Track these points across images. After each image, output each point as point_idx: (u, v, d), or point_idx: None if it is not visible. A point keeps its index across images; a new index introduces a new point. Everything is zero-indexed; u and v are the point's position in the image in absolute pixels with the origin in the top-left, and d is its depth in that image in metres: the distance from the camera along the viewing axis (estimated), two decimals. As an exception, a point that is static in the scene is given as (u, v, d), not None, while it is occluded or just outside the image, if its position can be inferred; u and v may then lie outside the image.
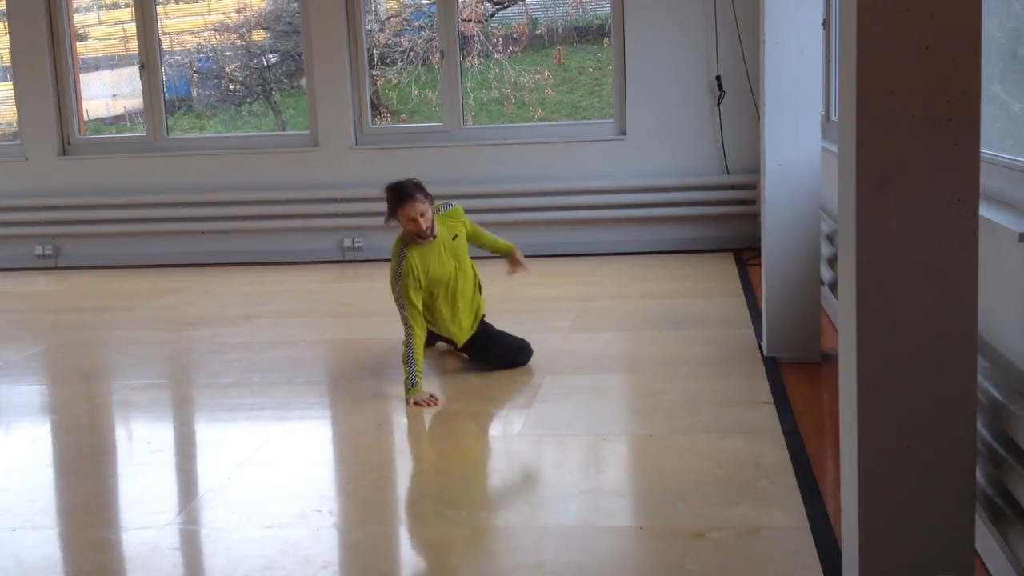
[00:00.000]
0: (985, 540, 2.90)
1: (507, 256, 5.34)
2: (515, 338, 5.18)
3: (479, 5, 9.22)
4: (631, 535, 3.34)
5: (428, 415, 4.55)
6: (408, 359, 4.68)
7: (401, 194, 4.76)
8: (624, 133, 8.13)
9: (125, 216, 8.61)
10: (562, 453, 4.10)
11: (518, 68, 9.08)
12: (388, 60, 9.20)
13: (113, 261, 8.68)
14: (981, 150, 2.33)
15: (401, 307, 4.79)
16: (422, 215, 4.74)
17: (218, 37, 9.67)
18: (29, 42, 8.64)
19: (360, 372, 5.25)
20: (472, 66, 8.99)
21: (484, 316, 5.21)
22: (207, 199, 8.49)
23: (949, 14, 2.25)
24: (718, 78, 7.93)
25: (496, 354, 5.12)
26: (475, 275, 5.16)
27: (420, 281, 4.80)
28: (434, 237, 4.87)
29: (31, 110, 8.73)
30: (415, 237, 4.83)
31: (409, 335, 4.72)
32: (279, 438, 4.38)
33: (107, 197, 8.60)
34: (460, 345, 5.16)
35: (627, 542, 3.28)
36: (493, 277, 5.62)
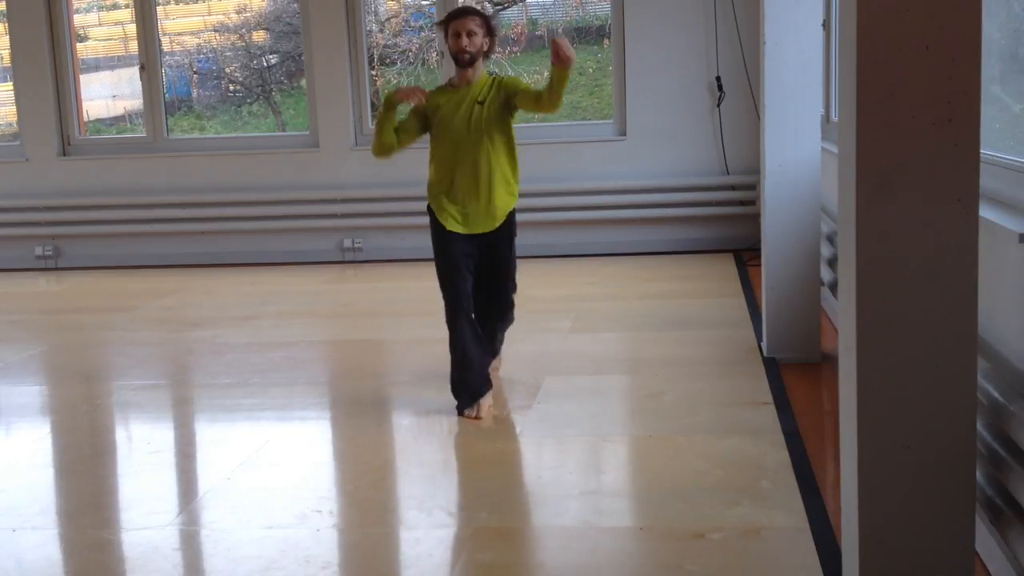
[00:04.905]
0: (985, 540, 2.90)
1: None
2: (508, 299, 4.79)
3: (479, 6, 9.21)
4: (631, 536, 3.34)
5: (427, 417, 4.54)
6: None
7: (456, 9, 4.55)
8: (624, 134, 8.13)
9: (125, 216, 8.61)
10: (562, 453, 4.10)
11: (517, 68, 9.08)
12: (388, 61, 9.20)
13: (113, 261, 8.67)
14: (981, 150, 2.33)
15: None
16: (469, 35, 4.46)
17: (218, 38, 9.67)
18: (29, 42, 8.64)
19: (360, 372, 5.25)
20: (472, 67, 8.98)
21: (504, 223, 4.63)
22: (207, 199, 8.49)
23: (949, 14, 2.25)
24: (718, 78, 7.93)
25: (491, 313, 4.76)
26: (499, 162, 4.55)
27: (423, 113, 4.52)
28: (468, 83, 4.54)
29: (31, 110, 8.73)
30: (453, 61, 4.56)
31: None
32: (279, 439, 4.38)
33: (107, 197, 8.60)
34: (468, 231, 4.57)
35: (627, 543, 3.28)
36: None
